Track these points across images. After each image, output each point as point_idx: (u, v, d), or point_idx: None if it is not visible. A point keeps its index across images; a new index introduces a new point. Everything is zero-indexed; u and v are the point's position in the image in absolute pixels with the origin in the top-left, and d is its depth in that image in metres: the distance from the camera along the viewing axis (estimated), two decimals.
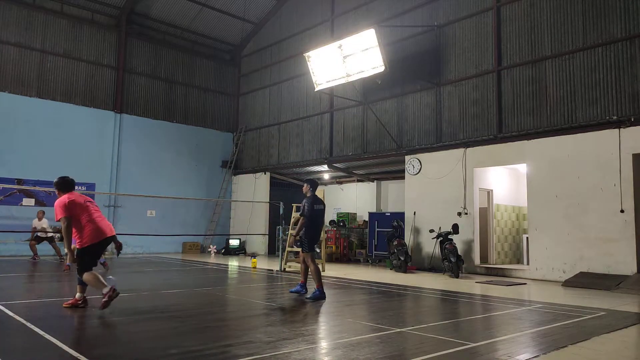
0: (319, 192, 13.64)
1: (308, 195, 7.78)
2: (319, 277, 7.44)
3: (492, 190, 13.52)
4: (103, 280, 5.92)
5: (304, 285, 7.93)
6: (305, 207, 7.59)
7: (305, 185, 7.90)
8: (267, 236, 18.41)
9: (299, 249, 12.01)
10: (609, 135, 10.27)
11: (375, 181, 18.47)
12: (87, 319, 5.70)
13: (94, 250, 6.07)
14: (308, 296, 7.47)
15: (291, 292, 7.99)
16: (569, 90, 11.13)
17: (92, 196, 16.87)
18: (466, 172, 12.75)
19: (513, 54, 12.18)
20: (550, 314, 6.52)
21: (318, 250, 13.53)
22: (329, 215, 18.17)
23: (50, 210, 15.96)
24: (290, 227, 12.22)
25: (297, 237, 7.70)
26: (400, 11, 14.75)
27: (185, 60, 19.82)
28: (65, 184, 6.28)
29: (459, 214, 12.69)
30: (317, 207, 7.73)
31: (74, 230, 6.01)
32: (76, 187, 18.20)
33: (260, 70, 19.96)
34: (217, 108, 20.70)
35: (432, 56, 13.79)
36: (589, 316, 6.36)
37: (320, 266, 12.12)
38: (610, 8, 10.60)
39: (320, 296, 7.32)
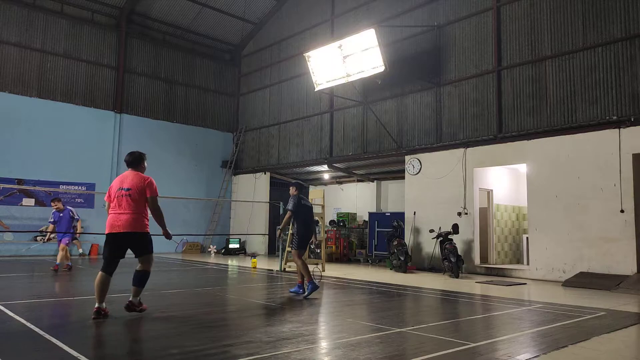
0: (318, 193, 13.70)
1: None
2: (307, 271, 7.64)
3: (492, 190, 13.52)
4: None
5: (302, 285, 7.99)
6: (291, 202, 7.87)
7: (292, 187, 8.17)
8: (267, 236, 18.41)
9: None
10: (609, 135, 10.26)
11: (375, 181, 18.46)
12: (87, 319, 5.70)
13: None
14: (305, 294, 7.54)
15: (291, 292, 8.05)
16: (569, 90, 11.13)
17: (92, 196, 16.88)
18: (466, 172, 12.74)
19: (513, 54, 12.17)
20: (550, 314, 6.52)
21: (318, 250, 13.52)
22: (329, 215, 18.17)
23: (48, 210, 16.00)
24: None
25: (282, 231, 8.22)
26: (400, 11, 14.75)
27: (185, 60, 19.82)
28: (139, 160, 5.88)
29: (459, 214, 12.69)
30: (304, 203, 8.01)
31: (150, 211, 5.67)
32: (76, 187, 17.99)
33: (260, 70, 19.97)
34: (217, 108, 20.70)
35: (432, 56, 13.79)
36: (589, 316, 6.36)
37: (320, 266, 12.18)
38: (610, 8, 10.60)
39: (313, 287, 7.49)
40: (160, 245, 19.58)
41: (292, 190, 8.12)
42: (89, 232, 15.03)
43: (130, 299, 5.71)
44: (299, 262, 7.75)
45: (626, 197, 9.88)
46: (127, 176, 5.69)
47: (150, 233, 5.75)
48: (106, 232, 5.55)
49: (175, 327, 5.30)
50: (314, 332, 5.22)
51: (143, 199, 5.61)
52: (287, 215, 7.86)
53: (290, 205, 7.84)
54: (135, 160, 5.82)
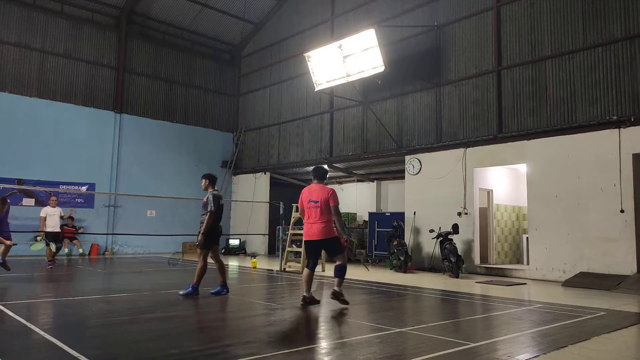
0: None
1: (209, 190, 7.57)
2: (200, 276, 7.46)
3: (492, 190, 13.52)
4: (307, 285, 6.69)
5: (224, 285, 7.67)
6: (212, 203, 7.37)
7: (204, 180, 7.74)
8: (267, 236, 18.42)
9: (299, 249, 12.07)
10: (609, 135, 10.27)
11: (375, 181, 18.47)
12: (87, 319, 5.70)
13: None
14: (181, 292, 7.45)
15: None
16: (569, 90, 11.13)
17: (92, 196, 16.88)
18: (466, 172, 12.75)
19: (513, 54, 12.17)
20: (550, 314, 6.52)
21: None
22: None
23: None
24: (290, 227, 12.20)
25: (203, 236, 7.46)
26: (400, 11, 14.75)
27: (185, 60, 19.82)
28: (325, 175, 7.08)
29: (459, 214, 12.69)
30: (221, 203, 7.64)
31: (328, 219, 6.60)
32: (76, 187, 18.00)
33: (260, 70, 19.96)
34: (217, 108, 20.70)
35: (432, 56, 13.78)
36: (589, 316, 6.36)
37: (320, 266, 12.16)
38: (610, 8, 10.60)
39: (192, 293, 7.38)
40: (160, 245, 19.48)
41: (205, 184, 7.65)
42: (89, 232, 15.04)
43: (335, 288, 6.67)
44: (201, 264, 7.42)
45: (626, 197, 9.88)
46: (315, 189, 6.73)
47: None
48: (304, 239, 6.81)
49: (175, 327, 5.31)
50: (314, 332, 5.22)
51: (328, 208, 6.59)
52: (207, 218, 7.31)
53: (212, 207, 7.33)
54: (323, 175, 7.00)
